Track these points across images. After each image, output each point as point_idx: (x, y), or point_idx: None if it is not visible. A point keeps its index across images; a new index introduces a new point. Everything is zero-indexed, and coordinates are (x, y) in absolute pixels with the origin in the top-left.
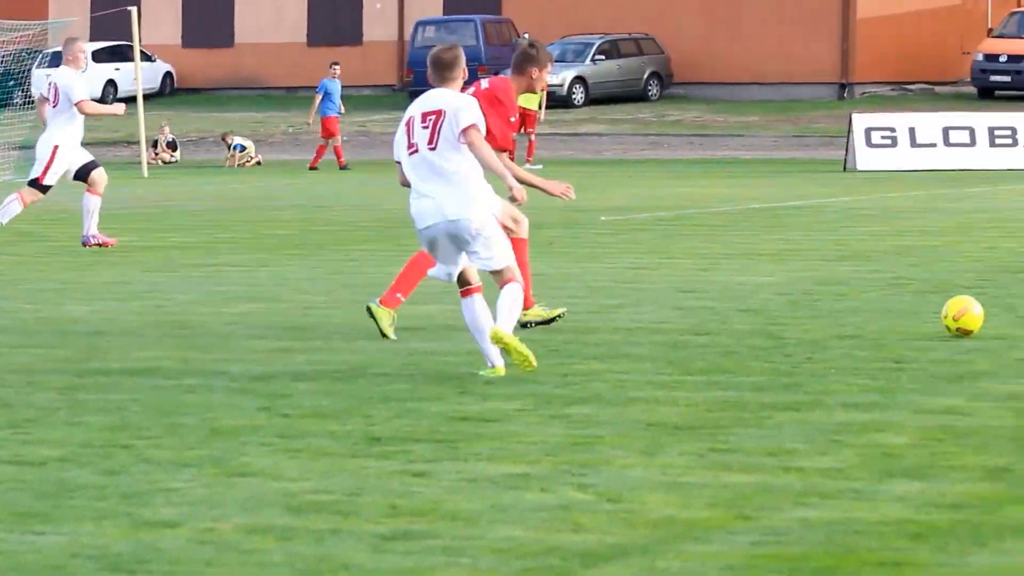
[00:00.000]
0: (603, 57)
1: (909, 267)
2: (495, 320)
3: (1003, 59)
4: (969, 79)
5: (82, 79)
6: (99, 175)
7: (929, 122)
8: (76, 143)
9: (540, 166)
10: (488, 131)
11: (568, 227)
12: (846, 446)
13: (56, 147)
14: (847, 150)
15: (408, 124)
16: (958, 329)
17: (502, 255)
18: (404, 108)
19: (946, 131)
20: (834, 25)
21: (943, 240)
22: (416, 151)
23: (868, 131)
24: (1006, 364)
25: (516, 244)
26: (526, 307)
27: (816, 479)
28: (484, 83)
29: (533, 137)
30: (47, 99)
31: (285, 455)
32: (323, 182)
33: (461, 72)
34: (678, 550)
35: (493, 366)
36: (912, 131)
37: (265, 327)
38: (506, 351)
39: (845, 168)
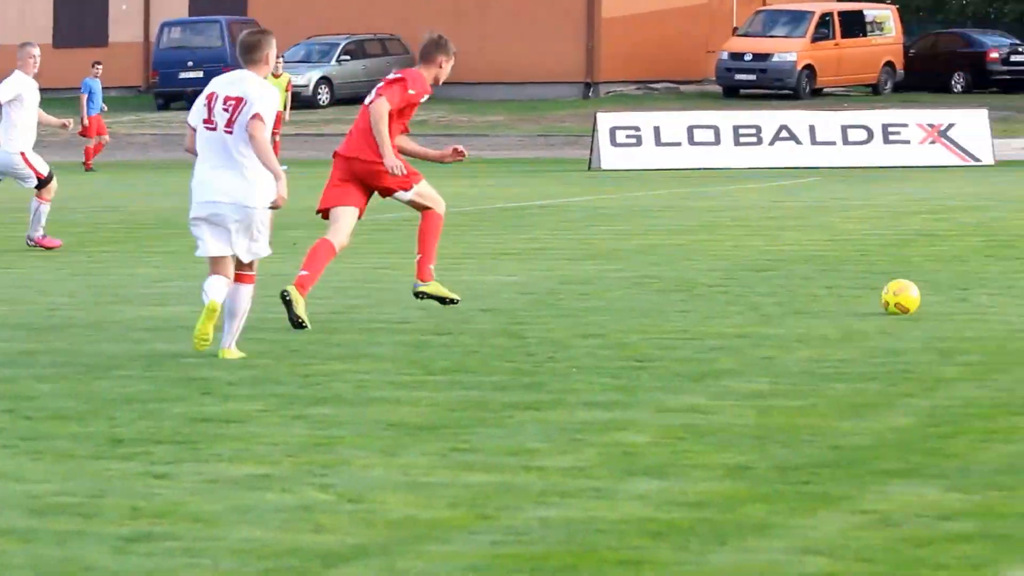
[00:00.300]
0: (348, 57)
1: (653, 266)
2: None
3: (748, 58)
4: (714, 78)
5: (10, 84)
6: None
7: (674, 121)
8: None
9: (286, 167)
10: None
11: (312, 228)
12: (587, 445)
13: (23, 154)
14: (592, 149)
15: (210, 99)
16: (896, 305)
17: (266, 248)
18: (150, 110)
19: (691, 130)
20: (579, 25)
21: (687, 239)
22: (214, 128)
23: (613, 130)
24: (749, 362)
25: (433, 219)
26: (427, 279)
27: (557, 478)
28: (397, 73)
29: (278, 138)
30: None
31: (27, 457)
32: (68, 184)
33: (265, 56)
34: (419, 550)
35: (225, 348)
36: (657, 130)
37: (9, 328)
38: (208, 317)
39: (590, 167)
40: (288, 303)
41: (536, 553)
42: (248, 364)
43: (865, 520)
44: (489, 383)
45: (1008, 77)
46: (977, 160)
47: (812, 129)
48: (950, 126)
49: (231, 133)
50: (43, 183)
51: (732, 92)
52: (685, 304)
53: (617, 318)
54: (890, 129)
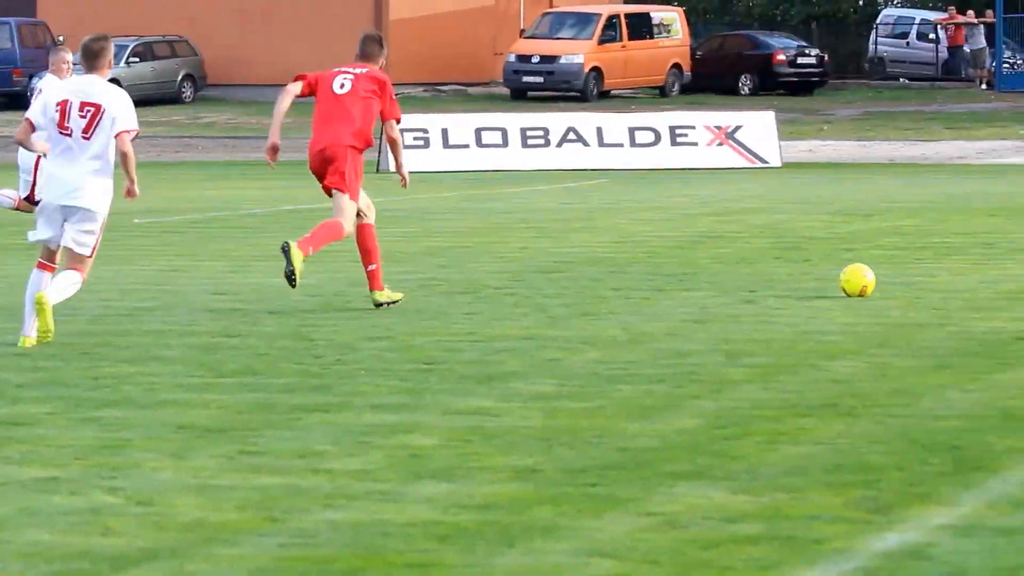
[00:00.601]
0: (137, 59)
1: (440, 268)
2: (50, 288)
3: (535, 60)
4: (502, 80)
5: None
6: None
7: (462, 123)
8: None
9: None
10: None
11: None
12: (374, 448)
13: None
14: (379, 152)
15: (64, 105)
16: (853, 286)
17: (92, 245)
18: None
19: (479, 132)
20: (366, 27)
21: (475, 241)
22: (69, 134)
23: (402, 132)
24: (535, 364)
25: (365, 230)
26: (378, 288)
27: (344, 481)
28: (363, 70)
29: None
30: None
31: None
32: None
33: (108, 61)
34: (207, 553)
35: (26, 335)
36: (445, 132)
37: None
38: (41, 313)
39: (378, 170)
40: (286, 253)
41: (323, 556)
42: (37, 367)
43: (652, 522)
44: (277, 385)
45: (795, 79)
46: (764, 162)
47: (600, 131)
48: (737, 128)
49: (88, 140)
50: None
51: (520, 94)
52: (472, 306)
53: (404, 320)
54: (677, 131)
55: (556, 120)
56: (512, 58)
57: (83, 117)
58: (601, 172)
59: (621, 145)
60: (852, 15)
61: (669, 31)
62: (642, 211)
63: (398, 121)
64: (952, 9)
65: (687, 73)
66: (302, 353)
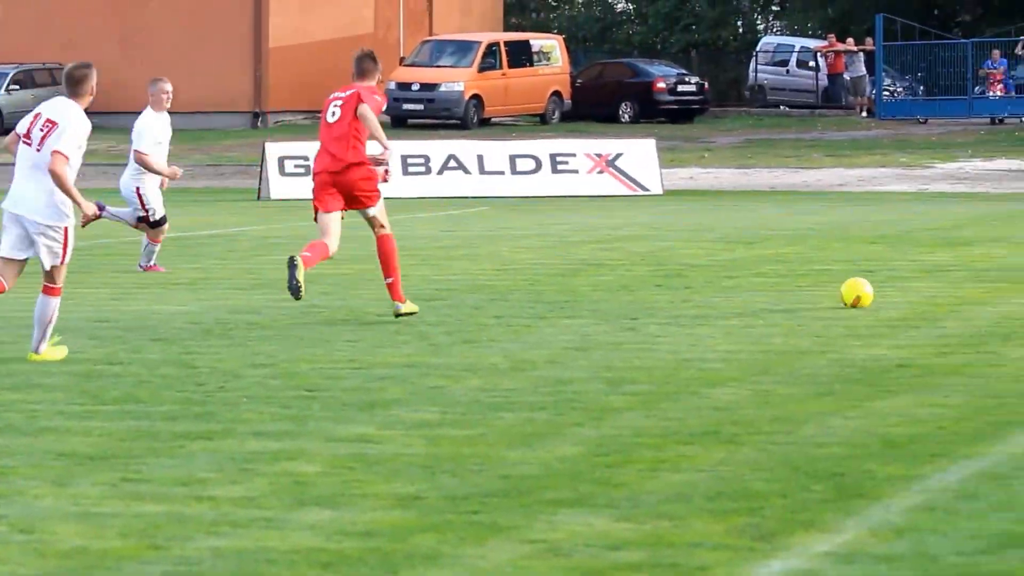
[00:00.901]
0: (18, 87)
1: (322, 295)
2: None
3: (416, 87)
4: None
5: (157, 125)
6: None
7: None
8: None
9: None
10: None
11: None
12: (258, 475)
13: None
14: (260, 179)
15: (35, 117)
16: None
17: (56, 258)
18: None
19: None
20: (247, 54)
21: (356, 268)
22: (30, 144)
23: (281, 160)
24: (417, 392)
25: (390, 241)
26: (403, 300)
27: (228, 508)
28: (351, 91)
29: None
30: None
31: None
32: None
33: (90, 88)
34: None
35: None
36: None
37: None
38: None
39: (259, 197)
40: (293, 266)
41: None
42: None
43: (534, 550)
44: (160, 413)
45: (675, 107)
46: (645, 189)
47: (480, 159)
48: (618, 156)
49: (39, 152)
50: (155, 224)
51: (400, 122)
52: (354, 333)
53: (287, 348)
54: (558, 159)
55: (437, 147)
56: (392, 86)
57: (42, 131)
58: (482, 200)
59: (502, 173)
60: (732, 43)
61: (549, 59)
62: (523, 238)
63: (374, 111)
64: (832, 37)
65: (567, 101)
66: (185, 380)
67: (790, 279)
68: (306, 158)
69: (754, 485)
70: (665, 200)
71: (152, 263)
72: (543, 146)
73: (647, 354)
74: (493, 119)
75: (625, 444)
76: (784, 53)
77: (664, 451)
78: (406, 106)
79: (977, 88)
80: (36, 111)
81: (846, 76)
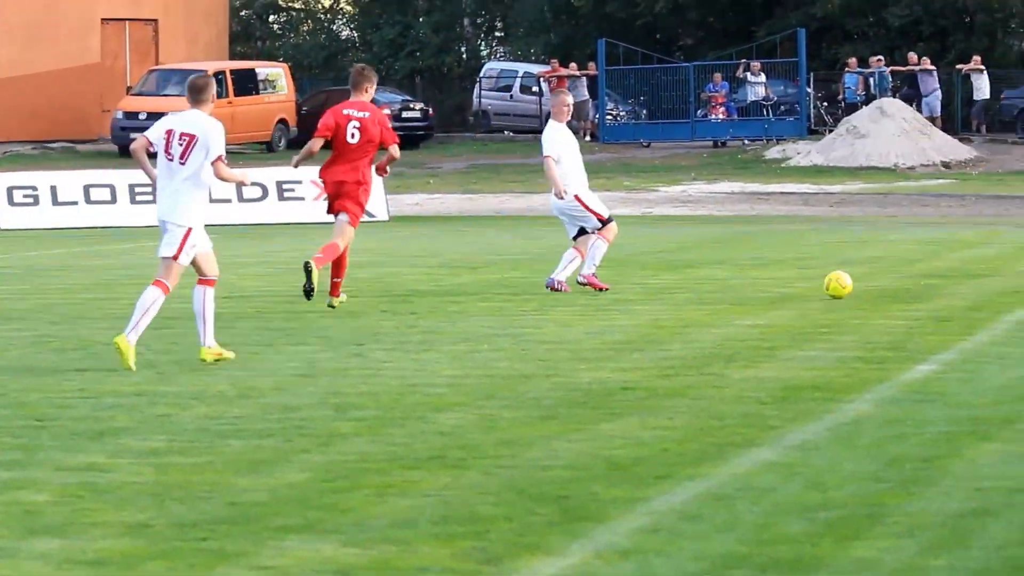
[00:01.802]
0: None
1: (51, 325)
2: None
3: (143, 116)
4: (109, 137)
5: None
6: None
7: (70, 180)
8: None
9: None
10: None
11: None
12: None
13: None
14: None
15: (169, 134)
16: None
17: (175, 251)
18: None
19: (87, 189)
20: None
21: (84, 297)
22: (172, 159)
23: (11, 190)
24: (146, 420)
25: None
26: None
27: None
28: (366, 114)
29: None
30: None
31: None
32: None
33: (212, 96)
34: None
35: (208, 347)
36: (54, 189)
37: None
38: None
39: None
40: (308, 272)
41: None
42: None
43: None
44: None
45: (400, 133)
46: (371, 216)
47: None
48: None
49: (184, 164)
50: (604, 223)
51: (128, 151)
52: (83, 362)
53: (16, 377)
54: (285, 186)
55: None
56: (119, 115)
57: (181, 144)
58: (208, 228)
59: (229, 200)
60: (456, 68)
61: (275, 87)
62: (250, 266)
63: (400, 145)
64: (555, 62)
65: (293, 128)
66: None
67: (515, 303)
68: (34, 188)
69: (480, 509)
70: (391, 226)
71: (592, 273)
72: (270, 174)
73: (373, 379)
74: None
75: (352, 470)
76: (508, 79)
77: (390, 476)
78: (133, 135)
79: (700, 111)
80: (166, 127)
81: None
